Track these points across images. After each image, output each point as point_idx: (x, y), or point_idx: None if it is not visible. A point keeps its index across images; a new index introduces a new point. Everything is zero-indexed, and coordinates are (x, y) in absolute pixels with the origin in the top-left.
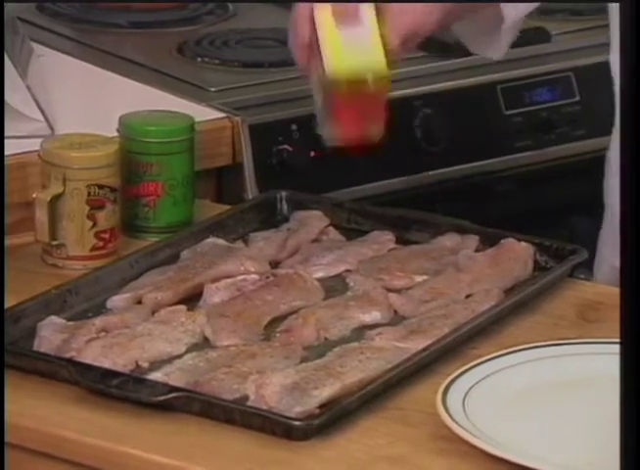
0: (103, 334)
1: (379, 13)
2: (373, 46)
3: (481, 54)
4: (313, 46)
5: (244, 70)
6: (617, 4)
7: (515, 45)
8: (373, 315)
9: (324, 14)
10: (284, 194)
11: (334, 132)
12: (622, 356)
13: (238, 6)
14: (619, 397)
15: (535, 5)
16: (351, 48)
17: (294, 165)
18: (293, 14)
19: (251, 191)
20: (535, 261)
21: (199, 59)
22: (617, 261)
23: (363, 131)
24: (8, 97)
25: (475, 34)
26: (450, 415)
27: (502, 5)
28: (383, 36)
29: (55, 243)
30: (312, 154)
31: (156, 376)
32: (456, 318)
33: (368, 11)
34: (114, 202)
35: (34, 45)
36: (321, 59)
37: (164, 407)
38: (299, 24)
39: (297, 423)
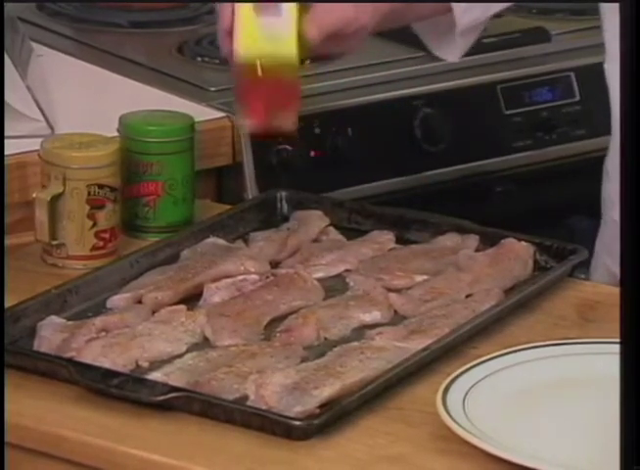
0: (103, 334)
1: (302, 8)
2: (287, 35)
3: (439, 55)
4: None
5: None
6: (609, 12)
7: (515, 45)
8: (373, 315)
9: (245, 6)
10: (284, 194)
11: (244, 119)
12: (622, 356)
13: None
14: (619, 397)
15: (491, 11)
16: (264, 35)
17: (294, 165)
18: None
19: (251, 191)
20: (535, 261)
21: (199, 59)
22: (613, 267)
23: (271, 119)
24: (8, 97)
25: (431, 36)
26: (450, 415)
27: (454, 11)
28: (301, 29)
29: (55, 243)
30: (312, 153)
31: (156, 376)
32: (456, 318)
33: (290, 6)
34: (114, 201)
35: (34, 45)
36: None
37: (164, 407)
38: (222, 10)
39: (297, 423)
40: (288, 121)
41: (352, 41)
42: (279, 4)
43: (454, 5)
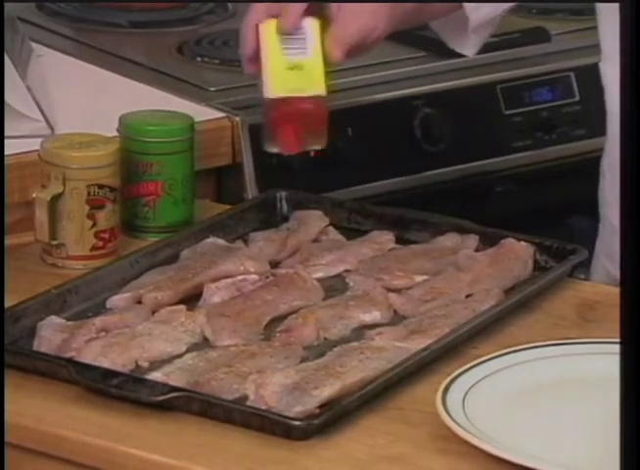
0: (103, 334)
1: (323, 24)
2: (313, 65)
3: (456, 50)
4: (259, 59)
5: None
6: (605, 12)
7: (515, 45)
8: (373, 315)
9: (269, 28)
10: (284, 194)
11: (274, 147)
12: (622, 356)
13: (238, 6)
14: (619, 397)
15: (502, 7)
16: (292, 68)
17: (293, 165)
18: (243, 21)
19: (250, 191)
20: (535, 261)
21: (199, 59)
22: (612, 269)
23: (303, 147)
24: (8, 97)
25: (446, 32)
26: (450, 415)
27: (465, 8)
28: (325, 51)
29: (55, 243)
30: (312, 153)
31: (155, 376)
32: (456, 318)
33: (312, 24)
34: (113, 201)
35: (34, 45)
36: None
37: (164, 407)
38: (247, 34)
39: (296, 423)
40: (318, 142)
41: (373, 47)
42: (303, 31)
43: (465, 5)
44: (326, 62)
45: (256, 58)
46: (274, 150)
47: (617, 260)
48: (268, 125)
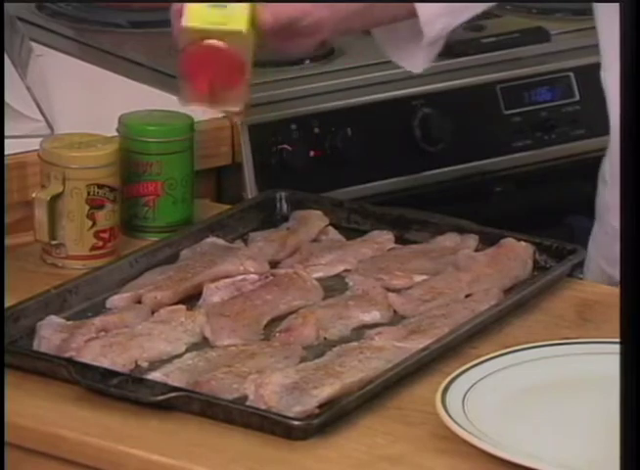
0: (102, 333)
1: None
2: (237, 10)
3: (402, 65)
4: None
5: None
6: (604, 14)
7: (514, 45)
8: (372, 315)
9: None
10: (283, 194)
11: (186, 91)
12: (622, 356)
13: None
14: (619, 397)
15: (458, 20)
16: (214, 9)
17: (293, 165)
18: None
19: (250, 191)
20: (535, 261)
21: None
22: (609, 270)
23: (217, 101)
24: (7, 97)
25: (393, 45)
26: (449, 415)
27: (422, 22)
28: (255, 15)
29: (54, 242)
30: (312, 153)
31: (155, 376)
32: (456, 318)
33: None
34: (113, 201)
35: (34, 45)
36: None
37: (164, 407)
38: None
39: (296, 423)
40: (234, 100)
41: (308, 38)
42: None
43: (420, 15)
44: (255, 25)
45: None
46: (186, 104)
47: (615, 262)
48: (182, 72)
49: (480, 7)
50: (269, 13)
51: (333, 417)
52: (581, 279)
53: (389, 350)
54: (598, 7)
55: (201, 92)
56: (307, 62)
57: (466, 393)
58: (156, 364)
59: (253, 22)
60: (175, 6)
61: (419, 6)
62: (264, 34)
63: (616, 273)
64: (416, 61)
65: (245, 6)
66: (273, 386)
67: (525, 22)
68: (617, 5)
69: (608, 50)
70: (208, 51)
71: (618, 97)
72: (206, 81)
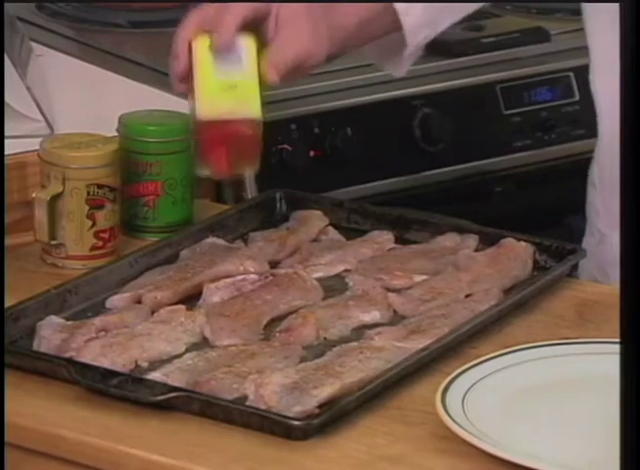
0: (102, 334)
1: (260, 43)
2: (248, 86)
3: (387, 71)
4: (191, 77)
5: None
6: (593, 13)
7: (514, 45)
8: (372, 315)
9: (202, 45)
10: (283, 193)
11: (205, 170)
12: (622, 356)
13: None
14: (619, 397)
15: (440, 28)
16: (226, 90)
17: (293, 165)
18: (175, 36)
19: (250, 190)
20: (535, 261)
21: None
22: (599, 276)
23: (234, 170)
24: (7, 97)
25: (377, 53)
26: (449, 415)
27: (406, 32)
28: (261, 73)
29: (54, 242)
30: (312, 153)
31: (155, 376)
32: (456, 318)
33: (247, 42)
34: (113, 201)
35: (34, 45)
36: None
37: (164, 407)
38: (178, 51)
39: (296, 423)
40: (251, 166)
41: (309, 72)
42: (238, 49)
43: (405, 26)
44: (261, 83)
45: (187, 77)
46: (205, 174)
47: (606, 269)
48: (199, 148)
49: (459, 14)
50: (273, 69)
51: (333, 417)
52: (581, 279)
53: (389, 350)
54: (587, 11)
55: (219, 167)
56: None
57: (466, 393)
58: (155, 364)
59: (261, 78)
60: (178, 69)
61: (404, 18)
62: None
63: (601, 277)
64: (399, 66)
65: (254, 77)
66: (273, 386)
67: (524, 21)
68: (606, 8)
69: (597, 53)
70: (225, 133)
71: (608, 101)
72: (224, 158)
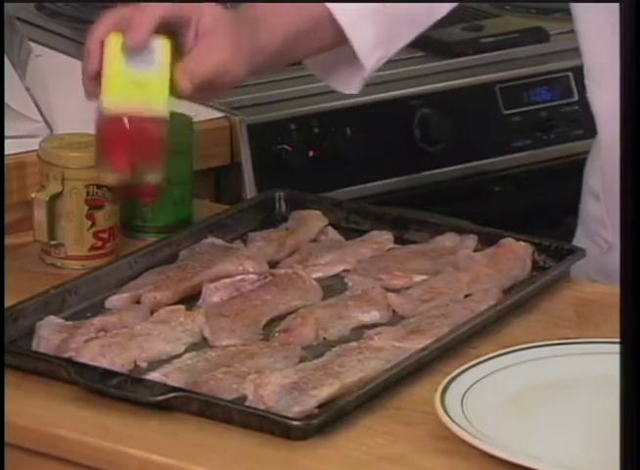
0: (102, 334)
1: (178, 51)
2: (157, 85)
3: (339, 90)
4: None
5: None
6: (584, 13)
7: (513, 45)
8: (372, 315)
9: (114, 44)
10: (282, 194)
11: (104, 169)
12: (622, 356)
13: (237, 6)
14: (619, 397)
15: (396, 47)
16: (134, 86)
17: (292, 165)
18: (88, 35)
19: (249, 191)
20: (534, 261)
21: None
22: (595, 276)
23: (134, 173)
24: (6, 97)
25: (324, 69)
26: (449, 415)
27: (359, 54)
28: (173, 77)
29: (53, 243)
30: (311, 153)
31: (154, 376)
32: (455, 318)
33: (162, 45)
34: (112, 201)
35: (33, 45)
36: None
37: (163, 407)
38: (90, 50)
39: (295, 423)
40: (152, 172)
41: (225, 88)
42: (151, 50)
43: (355, 46)
44: (171, 88)
45: (98, 77)
46: (103, 175)
47: (616, 277)
48: (99, 146)
49: (413, 33)
50: (186, 77)
51: (332, 417)
52: (581, 279)
53: (389, 350)
54: (579, 15)
55: (119, 166)
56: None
57: (465, 393)
58: (155, 364)
59: (171, 84)
60: (90, 67)
61: (352, 36)
62: (182, 95)
63: (599, 278)
64: (352, 84)
65: (164, 77)
66: (272, 386)
67: (524, 22)
68: (598, 11)
69: (592, 60)
70: (128, 130)
71: (606, 109)
72: (124, 156)
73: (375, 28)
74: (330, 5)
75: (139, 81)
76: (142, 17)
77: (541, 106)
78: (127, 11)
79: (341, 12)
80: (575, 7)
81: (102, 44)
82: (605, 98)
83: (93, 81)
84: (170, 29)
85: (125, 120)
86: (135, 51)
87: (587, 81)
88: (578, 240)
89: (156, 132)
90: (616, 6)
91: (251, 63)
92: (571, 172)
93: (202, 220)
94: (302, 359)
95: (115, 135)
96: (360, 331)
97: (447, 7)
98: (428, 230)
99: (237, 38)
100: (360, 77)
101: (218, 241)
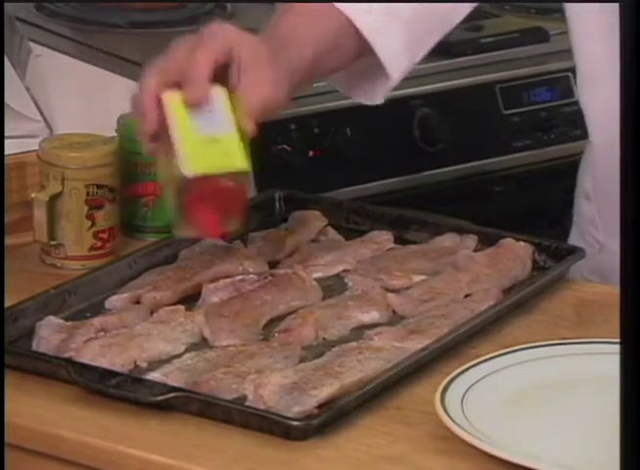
0: (101, 334)
1: (230, 92)
2: (230, 139)
3: (362, 101)
4: (163, 134)
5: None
6: (578, 14)
7: (513, 45)
8: (372, 315)
9: (174, 101)
10: (282, 194)
11: (189, 229)
12: (622, 356)
13: (236, 6)
14: (619, 397)
15: (421, 54)
16: (206, 143)
17: (292, 165)
18: (136, 90)
19: (249, 191)
20: (534, 261)
21: None
22: (590, 276)
23: (220, 227)
24: (6, 97)
25: (346, 83)
26: (449, 415)
27: (386, 64)
28: (239, 124)
29: (53, 243)
30: (311, 153)
31: (154, 376)
32: (455, 318)
33: (219, 93)
34: (112, 202)
35: (32, 45)
36: (172, 151)
37: (163, 407)
38: (147, 107)
39: (295, 423)
40: (236, 225)
41: (273, 116)
42: (212, 100)
43: (381, 56)
44: (242, 134)
45: (158, 136)
46: (188, 234)
47: (610, 277)
48: (183, 207)
49: (439, 35)
50: (250, 119)
51: (332, 417)
52: (581, 279)
53: (389, 350)
54: (572, 18)
55: (208, 227)
56: None
57: (465, 393)
58: (155, 364)
59: (239, 128)
60: (149, 126)
61: (377, 45)
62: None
63: (593, 277)
64: (376, 94)
65: (235, 134)
66: (272, 386)
67: (524, 22)
68: (592, 14)
69: (584, 64)
70: (212, 190)
71: (599, 113)
72: (212, 216)
73: (400, 34)
74: (349, 12)
75: (212, 139)
76: (197, 70)
77: (541, 106)
78: (177, 60)
79: (363, 20)
80: (569, 7)
81: (158, 101)
82: (596, 100)
83: (154, 141)
84: (217, 73)
85: (212, 182)
86: (199, 106)
87: (579, 83)
88: (572, 240)
89: (239, 188)
90: (614, 6)
91: (291, 86)
92: (572, 173)
93: None
94: (302, 359)
95: (199, 197)
96: (360, 331)
97: (468, 7)
98: (427, 230)
99: (276, 67)
100: (385, 87)
101: (218, 241)
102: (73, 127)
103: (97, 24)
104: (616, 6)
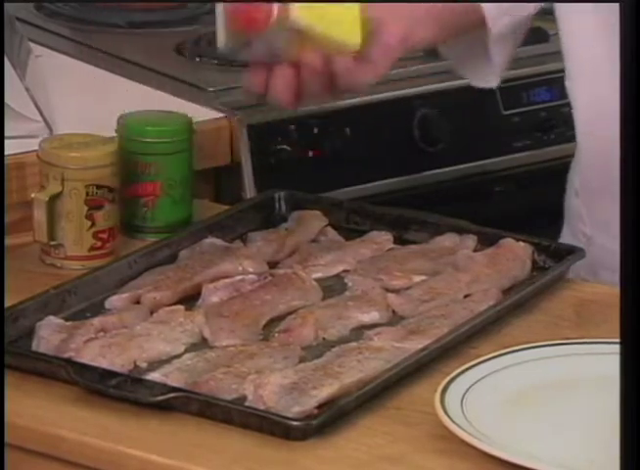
0: (101, 334)
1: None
2: (350, 13)
3: (477, 84)
4: None
5: (242, 70)
6: (566, 12)
7: None
8: (371, 315)
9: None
10: (282, 194)
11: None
12: (622, 356)
13: None
14: (619, 397)
15: (525, 11)
16: (325, 16)
17: (292, 165)
18: None
19: (249, 191)
20: (534, 261)
21: (197, 59)
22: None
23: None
24: (6, 97)
25: (463, 57)
26: (448, 415)
27: (487, 18)
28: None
29: (53, 243)
30: (311, 154)
31: (154, 376)
32: (455, 318)
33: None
34: (112, 202)
35: (32, 45)
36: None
37: (163, 407)
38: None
39: (295, 423)
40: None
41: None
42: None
43: (486, 12)
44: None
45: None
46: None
47: (596, 270)
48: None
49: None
50: (397, 35)
51: (332, 417)
52: (580, 279)
53: (389, 350)
54: (560, 16)
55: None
56: None
57: (465, 393)
58: (155, 365)
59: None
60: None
61: (485, 5)
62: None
63: (592, 278)
64: (489, 69)
65: (358, 12)
66: (272, 386)
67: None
68: (580, 11)
69: (573, 59)
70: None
71: (586, 108)
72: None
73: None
74: None
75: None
76: None
77: (541, 106)
78: None
79: None
80: (558, 7)
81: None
82: (582, 98)
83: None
84: None
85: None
86: None
87: (567, 82)
88: (564, 236)
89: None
90: (614, 6)
91: (432, 17)
92: None
93: (201, 220)
94: (302, 360)
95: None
96: (360, 331)
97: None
98: (427, 230)
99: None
100: (493, 69)
101: (218, 241)
102: (73, 127)
103: (97, 25)
104: (614, 6)
